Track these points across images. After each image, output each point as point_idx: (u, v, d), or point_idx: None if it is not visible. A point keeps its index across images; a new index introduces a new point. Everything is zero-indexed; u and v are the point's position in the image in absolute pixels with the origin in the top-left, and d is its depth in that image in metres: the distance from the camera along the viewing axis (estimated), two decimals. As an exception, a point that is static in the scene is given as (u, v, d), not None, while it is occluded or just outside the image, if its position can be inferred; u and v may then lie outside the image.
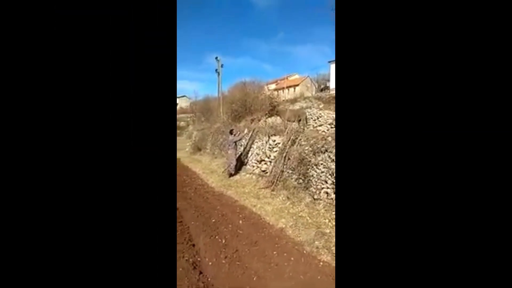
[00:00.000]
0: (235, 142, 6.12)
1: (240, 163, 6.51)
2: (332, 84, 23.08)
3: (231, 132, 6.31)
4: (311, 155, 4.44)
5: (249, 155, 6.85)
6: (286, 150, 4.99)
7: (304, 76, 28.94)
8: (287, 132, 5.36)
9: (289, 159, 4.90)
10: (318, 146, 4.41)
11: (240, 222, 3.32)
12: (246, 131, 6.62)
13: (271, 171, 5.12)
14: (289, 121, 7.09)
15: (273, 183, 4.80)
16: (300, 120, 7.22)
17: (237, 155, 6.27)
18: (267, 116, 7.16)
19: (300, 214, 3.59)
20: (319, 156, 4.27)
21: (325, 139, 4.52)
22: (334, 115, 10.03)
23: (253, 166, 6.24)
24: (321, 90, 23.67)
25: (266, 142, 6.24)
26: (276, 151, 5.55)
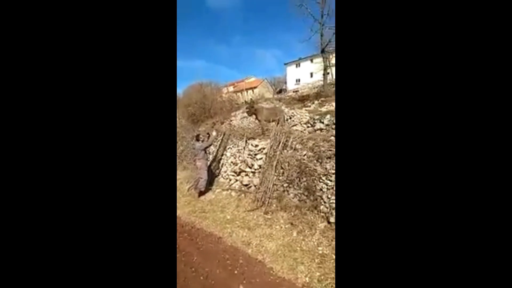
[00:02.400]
0: (205, 149, 4.66)
1: (211, 176, 5.06)
2: (289, 86, 23.28)
3: (197, 137, 4.81)
4: (314, 161, 3.38)
5: (221, 165, 5.47)
6: (277, 157, 3.83)
7: (262, 78, 28.82)
8: (275, 134, 4.21)
9: (282, 168, 3.75)
10: (322, 149, 3.39)
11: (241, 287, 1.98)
12: (214, 133, 5.20)
13: (259, 185, 3.88)
14: (267, 121, 6.02)
15: (264, 203, 3.57)
16: (278, 121, 6.23)
17: (208, 166, 4.82)
18: (247, 114, 5.92)
19: (320, 251, 2.46)
20: (327, 163, 3.24)
21: (329, 141, 3.53)
22: (307, 115, 9.35)
23: (229, 179, 4.88)
24: (279, 92, 23.73)
25: (244, 148, 4.98)
26: (260, 158, 4.34)
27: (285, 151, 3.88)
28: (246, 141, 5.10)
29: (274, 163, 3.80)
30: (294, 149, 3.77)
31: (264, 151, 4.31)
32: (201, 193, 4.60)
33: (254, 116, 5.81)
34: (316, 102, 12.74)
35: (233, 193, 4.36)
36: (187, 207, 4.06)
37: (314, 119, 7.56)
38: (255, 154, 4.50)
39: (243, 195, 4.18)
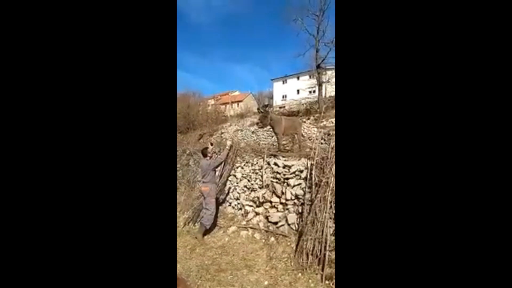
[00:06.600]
0: (214, 169, 3.32)
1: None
2: (277, 101, 22.79)
3: (204, 153, 3.43)
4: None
5: (228, 189, 4.13)
6: (330, 186, 2.65)
7: (247, 92, 28.22)
8: (316, 152, 3.06)
9: (340, 203, 2.58)
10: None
11: None
12: (229, 143, 3.87)
13: (304, 227, 2.63)
14: (285, 134, 4.91)
15: (320, 260, 2.31)
16: (294, 136, 5.17)
17: (217, 194, 3.45)
18: (258, 126, 4.81)
19: None
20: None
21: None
22: (315, 129, 8.38)
23: (245, 212, 3.55)
24: (265, 107, 23.12)
25: (262, 168, 3.73)
26: (297, 185, 3.12)
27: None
28: (264, 160, 3.86)
29: (328, 194, 2.61)
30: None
31: (303, 174, 3.12)
32: (206, 232, 3.20)
33: (271, 128, 4.68)
34: (311, 118, 12.09)
35: (256, 235, 3.04)
36: (190, 258, 2.62)
37: (329, 135, 6.58)
38: (287, 179, 3.28)
39: (273, 238, 2.89)
